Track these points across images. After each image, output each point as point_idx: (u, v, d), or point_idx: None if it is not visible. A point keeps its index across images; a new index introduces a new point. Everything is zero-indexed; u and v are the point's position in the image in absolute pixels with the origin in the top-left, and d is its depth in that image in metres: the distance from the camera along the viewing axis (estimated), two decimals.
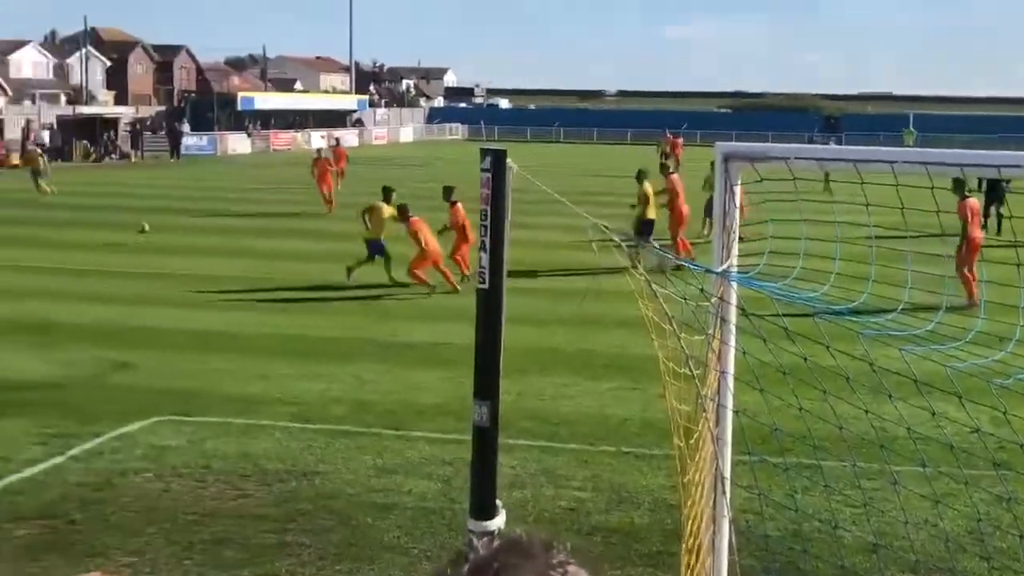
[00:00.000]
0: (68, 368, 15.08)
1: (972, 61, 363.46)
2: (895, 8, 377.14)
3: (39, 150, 46.29)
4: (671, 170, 27.66)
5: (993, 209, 29.89)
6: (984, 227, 27.15)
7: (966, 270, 19.93)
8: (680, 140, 59.74)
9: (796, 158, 6.56)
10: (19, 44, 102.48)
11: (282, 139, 78.98)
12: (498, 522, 4.75)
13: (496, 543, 1.64)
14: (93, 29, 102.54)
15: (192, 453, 11.70)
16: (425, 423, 12.76)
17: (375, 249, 21.98)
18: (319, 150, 41.25)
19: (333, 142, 52.46)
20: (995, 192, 29.44)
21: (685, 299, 6.18)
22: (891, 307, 6.51)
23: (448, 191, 22.68)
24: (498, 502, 4.82)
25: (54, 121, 65.11)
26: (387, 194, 23.39)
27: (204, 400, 13.53)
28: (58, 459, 11.43)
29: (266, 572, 8.88)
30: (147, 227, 28.53)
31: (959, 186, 17.90)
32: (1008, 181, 26.88)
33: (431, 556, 9.10)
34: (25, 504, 10.34)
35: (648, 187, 25.18)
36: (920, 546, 9.11)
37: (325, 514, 10.08)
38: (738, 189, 6.22)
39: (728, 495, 6.23)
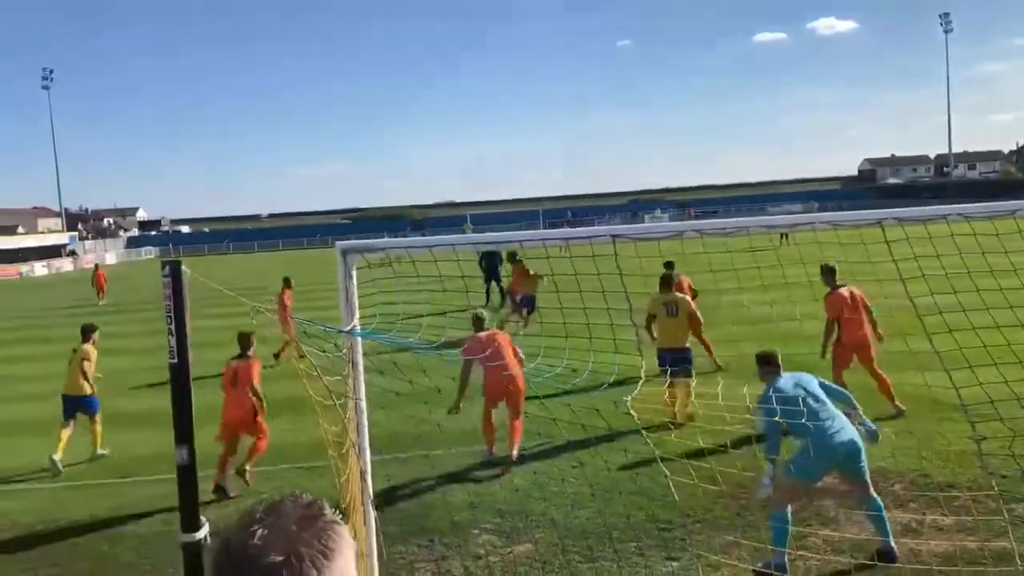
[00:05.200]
0: None
1: (512, 178, 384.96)
2: (447, 143, 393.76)
3: None
4: None
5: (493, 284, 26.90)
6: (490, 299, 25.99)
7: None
8: None
9: (391, 248, 6.88)
10: None
11: (8, 271, 78.22)
12: (203, 532, 4.67)
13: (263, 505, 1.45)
14: None
15: None
16: (146, 470, 12.01)
17: None
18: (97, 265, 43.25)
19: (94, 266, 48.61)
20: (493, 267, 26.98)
21: (324, 351, 6.34)
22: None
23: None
24: (202, 518, 4.74)
25: None
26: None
27: None
28: None
29: None
30: None
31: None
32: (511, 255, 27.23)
33: (158, 569, 8.66)
34: None
35: None
36: (505, 497, 9.61)
37: (70, 550, 9.37)
38: (355, 273, 6.40)
39: (370, 484, 6.37)
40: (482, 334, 11.36)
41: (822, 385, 7.66)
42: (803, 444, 7.37)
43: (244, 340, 11.40)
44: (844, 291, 12.50)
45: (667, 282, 13.16)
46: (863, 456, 7.39)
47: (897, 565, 7.35)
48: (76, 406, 12.72)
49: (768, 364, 7.79)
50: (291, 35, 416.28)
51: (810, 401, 7.36)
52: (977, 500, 8.21)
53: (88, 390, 12.81)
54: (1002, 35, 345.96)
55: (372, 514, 6.34)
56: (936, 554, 7.61)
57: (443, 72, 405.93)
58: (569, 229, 7.07)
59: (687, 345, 12.86)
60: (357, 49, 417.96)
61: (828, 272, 12.57)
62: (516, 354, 11.27)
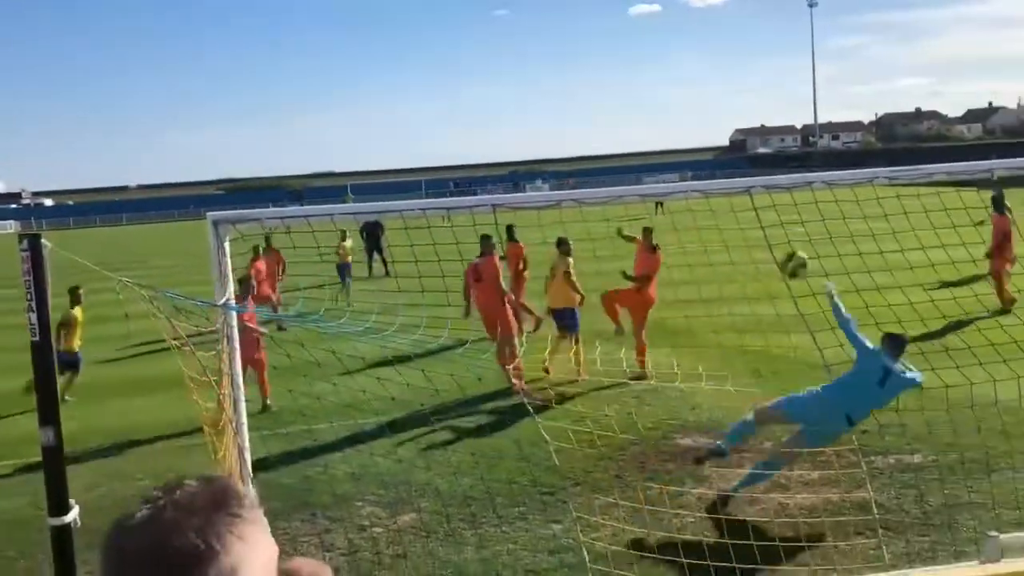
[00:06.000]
0: None
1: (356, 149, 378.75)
2: (326, 110, 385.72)
3: None
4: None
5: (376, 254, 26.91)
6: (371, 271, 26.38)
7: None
8: None
9: (265, 219, 6.71)
10: None
11: None
12: (72, 515, 4.49)
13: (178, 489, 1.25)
14: None
15: None
16: (12, 452, 11.34)
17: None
18: None
19: None
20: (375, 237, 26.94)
21: (200, 329, 6.17)
22: (341, 313, 6.84)
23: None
24: (72, 501, 4.56)
25: None
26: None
27: None
28: None
29: None
30: None
31: (510, 231, 16.22)
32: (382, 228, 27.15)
33: (25, 554, 8.29)
34: None
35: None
36: (389, 468, 9.57)
37: None
38: (228, 245, 6.18)
39: (248, 461, 6.24)
40: (479, 260, 12.39)
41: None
42: (829, 413, 7.56)
43: (243, 284, 11.08)
44: (660, 254, 13.31)
45: (558, 244, 13.27)
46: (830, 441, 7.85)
47: (766, 519, 7.68)
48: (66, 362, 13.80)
49: (896, 342, 7.51)
50: None
51: (876, 386, 7.35)
52: (840, 455, 8.62)
53: (76, 349, 14.28)
54: (863, 9, 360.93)
55: (252, 491, 6.21)
56: (802, 507, 7.98)
57: (319, 37, 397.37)
58: (451, 199, 7.04)
59: (568, 306, 13.13)
60: (229, 13, 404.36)
61: (649, 233, 13.43)
62: (499, 281, 12.57)
